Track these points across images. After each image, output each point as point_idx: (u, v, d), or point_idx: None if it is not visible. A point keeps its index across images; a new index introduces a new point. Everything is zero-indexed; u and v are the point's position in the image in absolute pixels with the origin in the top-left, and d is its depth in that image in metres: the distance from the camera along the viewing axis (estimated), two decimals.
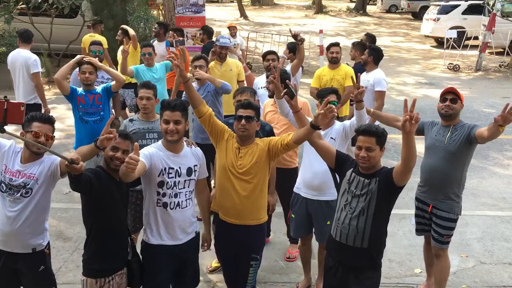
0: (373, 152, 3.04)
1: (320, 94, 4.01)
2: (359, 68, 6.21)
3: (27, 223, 3.16)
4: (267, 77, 4.61)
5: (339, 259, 3.26)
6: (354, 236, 3.12)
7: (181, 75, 3.37)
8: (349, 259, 3.20)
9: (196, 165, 3.34)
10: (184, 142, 3.38)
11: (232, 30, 10.52)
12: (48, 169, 3.16)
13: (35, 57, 6.39)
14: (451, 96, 3.87)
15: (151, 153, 3.20)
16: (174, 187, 3.24)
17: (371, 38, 7.70)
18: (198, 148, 3.47)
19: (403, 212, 5.79)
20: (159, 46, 8.34)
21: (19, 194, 3.11)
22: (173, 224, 3.27)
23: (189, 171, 3.30)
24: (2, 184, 3.13)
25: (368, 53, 5.90)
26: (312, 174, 3.91)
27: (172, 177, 3.23)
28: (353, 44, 6.83)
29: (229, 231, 3.50)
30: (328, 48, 6.18)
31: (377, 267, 3.22)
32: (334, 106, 3.34)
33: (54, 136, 3.22)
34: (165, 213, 3.25)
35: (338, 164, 3.31)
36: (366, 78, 5.82)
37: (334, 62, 6.11)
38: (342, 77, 5.99)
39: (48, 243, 3.39)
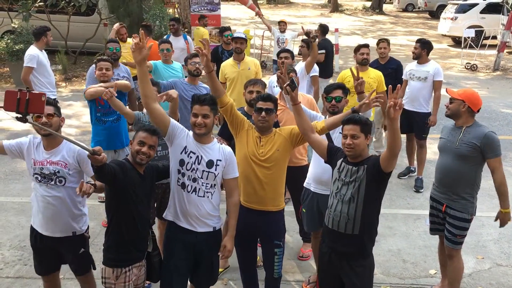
0: (358, 140, 3.17)
1: (326, 90, 4.08)
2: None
3: (65, 207, 3.37)
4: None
5: (332, 246, 3.36)
6: (346, 222, 3.23)
7: (206, 65, 3.46)
8: (341, 245, 3.29)
9: (220, 160, 3.34)
10: (215, 139, 3.45)
11: (282, 26, 10.48)
12: (73, 154, 3.37)
13: (31, 52, 6.42)
14: (450, 97, 3.92)
15: (179, 125, 3.36)
16: (193, 171, 3.28)
17: (323, 28, 8.69)
18: (228, 147, 3.51)
19: (418, 212, 5.76)
20: (177, 42, 8.41)
21: (53, 182, 3.33)
22: (187, 207, 3.30)
23: (210, 163, 3.31)
24: (36, 175, 3.35)
25: (421, 46, 6.32)
26: (321, 169, 3.93)
27: (193, 162, 3.28)
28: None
29: (250, 217, 3.60)
30: (358, 49, 6.15)
31: (367, 254, 3.30)
32: (379, 97, 3.56)
33: (61, 117, 3.42)
34: (182, 193, 3.32)
35: (330, 156, 3.44)
36: (425, 69, 6.34)
37: (364, 64, 6.07)
38: (373, 80, 5.95)
39: (88, 228, 3.61)
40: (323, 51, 8.22)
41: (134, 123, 4.20)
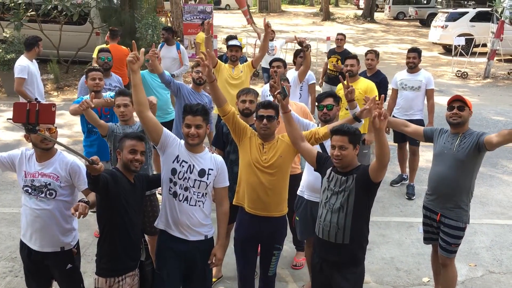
0: (346, 151, 3.17)
1: (318, 98, 4.12)
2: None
3: (54, 220, 3.32)
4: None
5: (323, 256, 3.36)
6: (335, 232, 3.23)
7: (207, 75, 3.52)
8: (332, 255, 3.30)
9: (211, 169, 3.37)
10: (207, 148, 3.47)
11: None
12: (65, 167, 3.33)
13: (21, 62, 6.39)
14: (458, 104, 3.86)
15: (172, 134, 3.38)
16: (185, 180, 3.30)
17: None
18: (219, 156, 3.54)
19: (411, 220, 5.77)
20: (169, 51, 8.45)
21: (43, 195, 3.28)
22: (179, 216, 3.31)
23: (202, 173, 3.33)
24: (26, 188, 3.31)
25: (419, 56, 6.37)
26: (314, 177, 3.94)
27: (185, 171, 3.30)
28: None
29: (254, 223, 3.65)
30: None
31: (359, 263, 3.31)
32: (380, 103, 3.53)
33: (56, 128, 3.37)
34: (174, 202, 3.32)
35: (319, 164, 3.46)
36: (417, 79, 6.36)
37: (349, 75, 5.82)
38: (360, 92, 5.66)
39: (78, 243, 3.54)
40: None
41: (108, 135, 4.17)
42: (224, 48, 11.78)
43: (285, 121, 3.52)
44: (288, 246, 5.07)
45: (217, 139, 4.47)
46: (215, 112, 5.01)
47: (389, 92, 6.74)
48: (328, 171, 3.34)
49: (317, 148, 3.79)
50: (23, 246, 3.46)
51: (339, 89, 5.87)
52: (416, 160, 6.53)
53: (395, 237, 5.41)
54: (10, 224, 5.50)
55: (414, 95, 6.35)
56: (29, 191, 3.31)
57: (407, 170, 6.73)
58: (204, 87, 5.45)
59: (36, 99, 2.61)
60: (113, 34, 8.70)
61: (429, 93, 6.34)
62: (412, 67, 6.37)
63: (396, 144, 6.78)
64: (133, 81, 3.20)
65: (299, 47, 5.84)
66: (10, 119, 2.54)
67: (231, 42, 6.22)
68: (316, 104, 4.10)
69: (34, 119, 2.48)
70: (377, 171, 3.06)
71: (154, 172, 5.06)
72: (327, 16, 32.37)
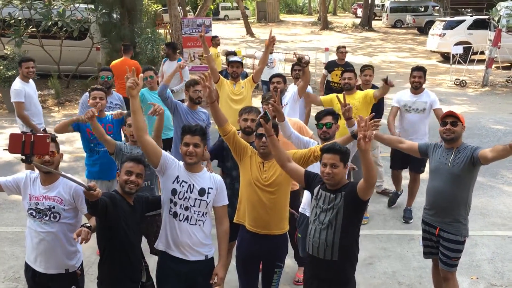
0: (337, 169, 3.21)
1: (317, 116, 4.16)
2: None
3: (59, 243, 3.37)
4: (262, 102, 4.76)
5: (314, 272, 3.39)
6: (324, 249, 3.27)
7: (208, 96, 3.59)
8: (322, 272, 3.33)
9: (211, 188, 3.42)
10: (205, 168, 3.52)
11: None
12: (69, 190, 3.37)
13: (16, 86, 6.37)
14: (451, 120, 3.91)
15: (170, 156, 3.42)
16: (185, 200, 3.34)
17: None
18: (218, 175, 3.58)
19: (412, 233, 5.78)
20: (171, 66, 8.54)
21: (47, 218, 3.32)
22: (179, 236, 3.35)
23: (202, 192, 3.38)
24: (31, 211, 3.34)
25: (424, 76, 5.99)
26: None
27: (185, 190, 3.35)
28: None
29: (255, 241, 3.69)
30: (342, 74, 6.04)
31: (347, 281, 3.33)
32: (377, 121, 3.60)
33: (61, 153, 3.45)
34: (174, 222, 3.36)
35: (308, 183, 3.49)
36: (422, 101, 5.99)
37: (347, 89, 5.76)
38: (359, 101, 5.70)
39: (81, 264, 3.59)
40: None
41: (115, 153, 4.20)
42: (223, 59, 11.88)
43: (270, 144, 3.50)
44: (290, 261, 5.09)
45: (214, 147, 4.46)
46: (213, 127, 5.04)
47: (388, 99, 6.64)
48: (316, 189, 3.38)
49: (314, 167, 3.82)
50: (27, 268, 3.49)
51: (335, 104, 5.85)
52: (416, 186, 6.19)
53: (396, 250, 5.42)
54: (13, 243, 5.53)
55: (419, 118, 6.01)
56: (34, 214, 3.34)
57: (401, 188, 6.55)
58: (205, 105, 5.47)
59: (31, 130, 2.72)
60: (126, 48, 8.88)
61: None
62: (417, 87, 5.98)
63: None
64: (132, 106, 3.22)
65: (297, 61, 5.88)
66: (6, 149, 2.64)
67: (232, 59, 6.29)
68: (316, 122, 4.14)
69: (29, 150, 2.57)
70: (364, 190, 3.13)
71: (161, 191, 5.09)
72: (325, 25, 32.58)
